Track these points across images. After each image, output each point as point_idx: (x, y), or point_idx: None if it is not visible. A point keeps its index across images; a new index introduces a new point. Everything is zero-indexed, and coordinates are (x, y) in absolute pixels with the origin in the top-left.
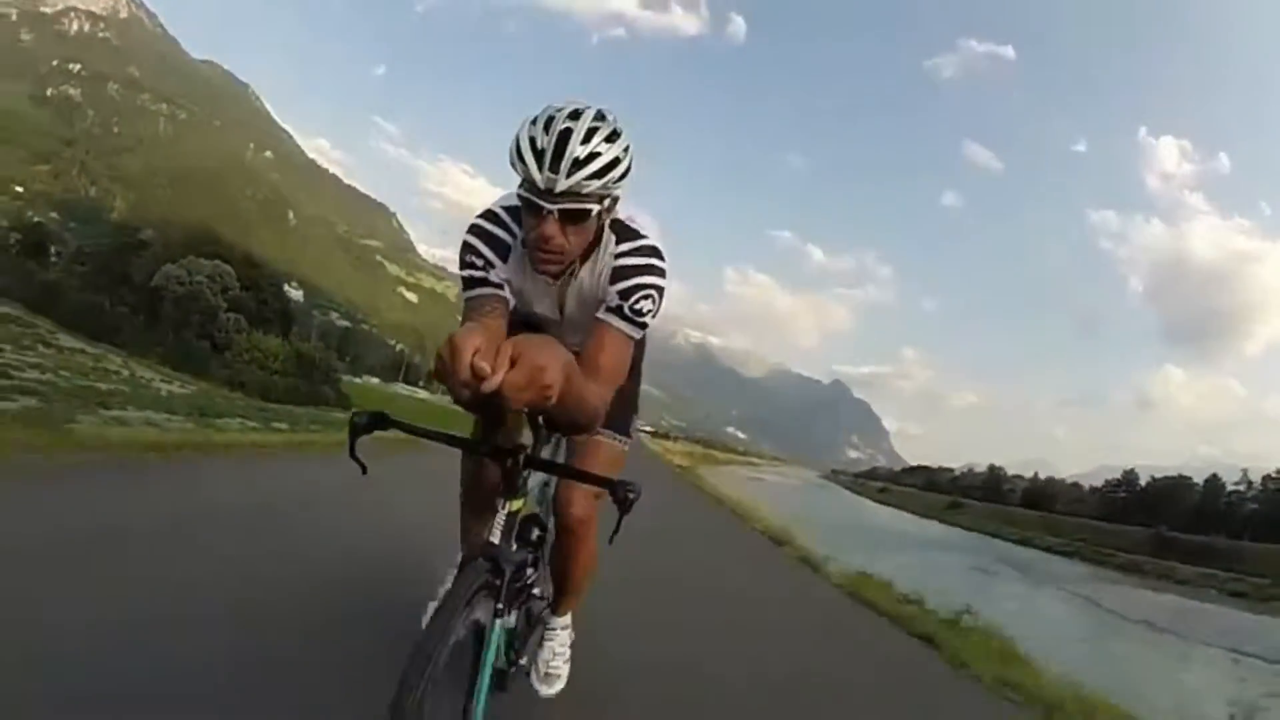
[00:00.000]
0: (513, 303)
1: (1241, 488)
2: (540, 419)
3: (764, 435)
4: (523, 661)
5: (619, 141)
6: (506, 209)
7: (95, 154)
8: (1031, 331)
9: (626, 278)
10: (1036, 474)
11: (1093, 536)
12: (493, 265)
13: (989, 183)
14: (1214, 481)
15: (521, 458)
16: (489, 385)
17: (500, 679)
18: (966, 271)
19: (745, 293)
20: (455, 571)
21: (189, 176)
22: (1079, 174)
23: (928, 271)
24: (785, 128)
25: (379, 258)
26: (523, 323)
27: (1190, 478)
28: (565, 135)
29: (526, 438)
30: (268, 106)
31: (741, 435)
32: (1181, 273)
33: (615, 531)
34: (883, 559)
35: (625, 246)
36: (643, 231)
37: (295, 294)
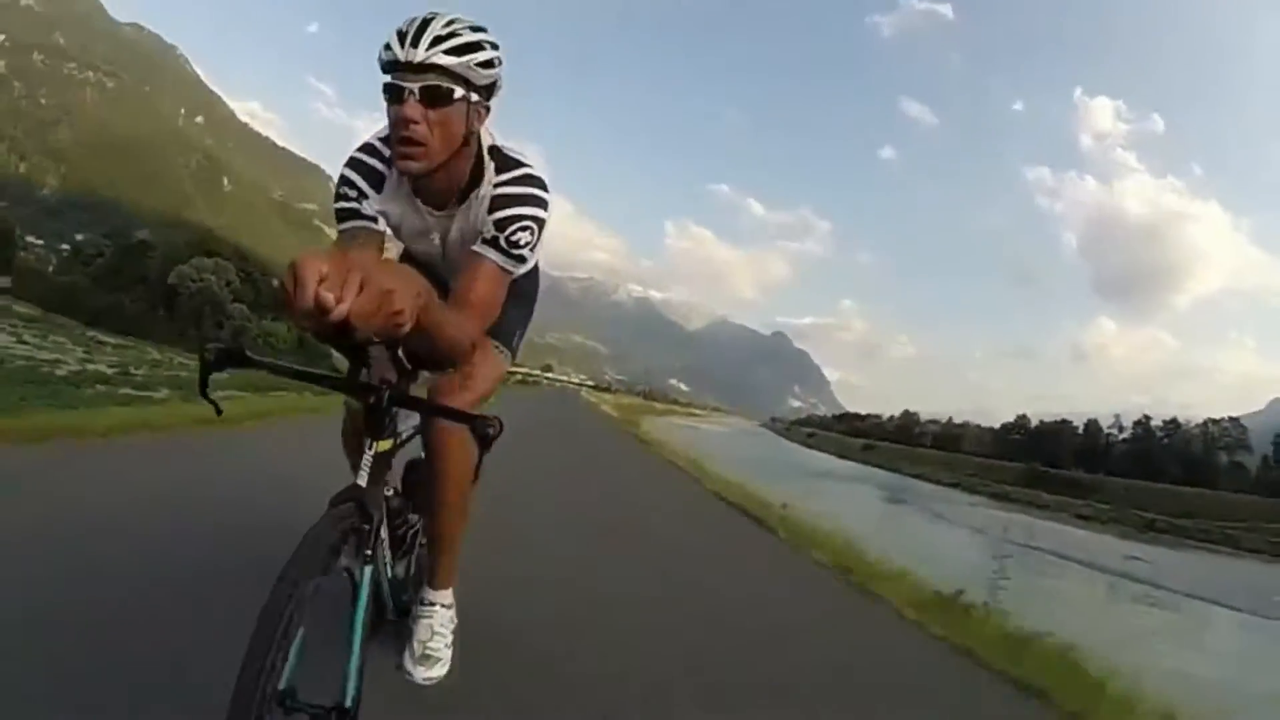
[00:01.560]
0: (388, 234)
1: (1114, 431)
2: (399, 352)
3: (707, 387)
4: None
5: (484, 36)
6: (383, 140)
7: (24, 128)
8: (967, 284)
9: (504, 207)
10: (950, 419)
11: (981, 472)
12: (366, 196)
13: (926, 138)
14: (1093, 425)
15: (386, 394)
16: (336, 313)
17: (395, 633)
18: (903, 225)
19: (685, 246)
20: None
21: (121, 147)
22: (1015, 131)
23: (865, 225)
24: (724, 83)
25: (317, 222)
26: (408, 259)
27: (1071, 421)
28: (428, 18)
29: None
30: (197, 70)
31: (685, 387)
32: (1114, 229)
33: (476, 471)
34: (770, 481)
35: (505, 176)
36: (524, 160)
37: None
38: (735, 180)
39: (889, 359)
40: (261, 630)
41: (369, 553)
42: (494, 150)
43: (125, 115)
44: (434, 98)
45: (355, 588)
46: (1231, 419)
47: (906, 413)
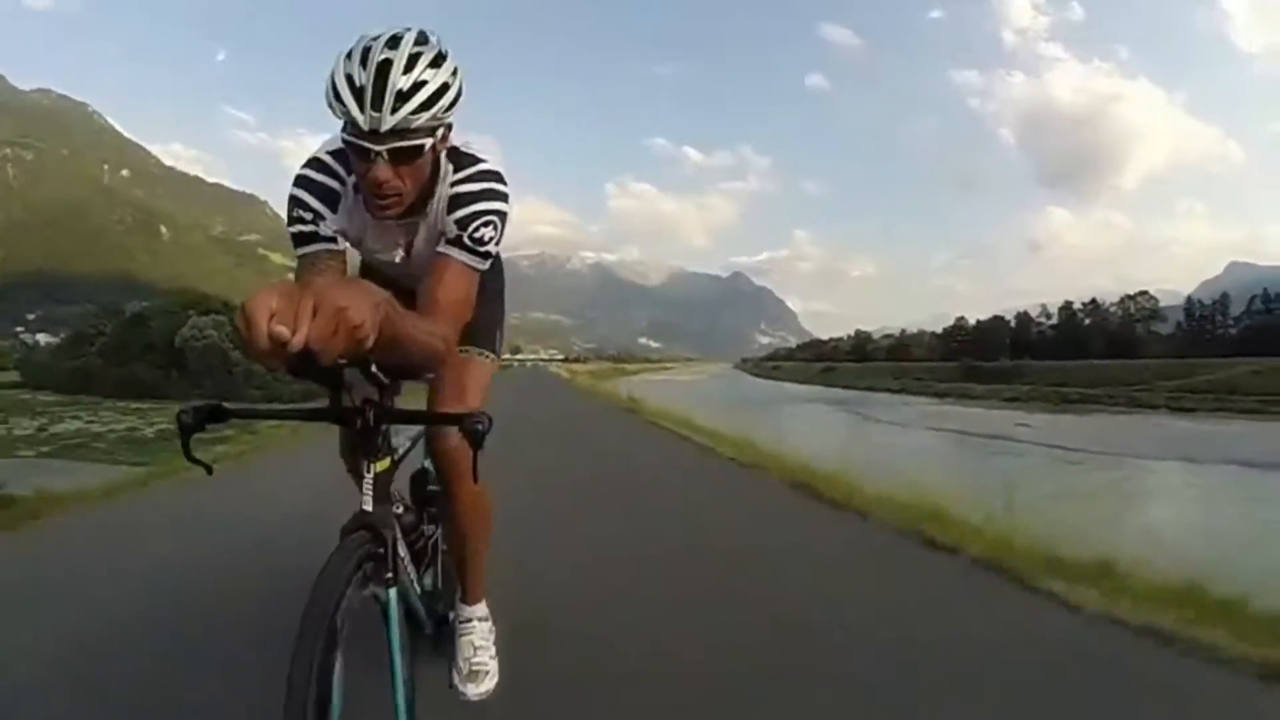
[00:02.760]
0: (349, 252)
1: (1043, 319)
2: (373, 368)
3: (676, 339)
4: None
5: (445, 65)
6: (332, 154)
7: None
8: (915, 195)
9: (464, 205)
10: (904, 330)
11: (926, 375)
12: (323, 217)
13: (851, 60)
14: (1023, 317)
15: (370, 414)
16: (294, 344)
17: (435, 645)
18: (842, 149)
19: (629, 205)
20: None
21: (53, 217)
22: (937, 39)
23: (805, 155)
24: (646, 37)
25: (261, 250)
26: (370, 271)
27: (1004, 317)
28: (385, 67)
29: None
30: (113, 123)
31: (654, 344)
32: (1049, 120)
33: (474, 470)
34: (713, 412)
35: (462, 174)
36: (480, 156)
37: None
38: (670, 132)
39: (850, 281)
40: (298, 672)
41: (390, 575)
42: (450, 151)
43: (51, 184)
44: (405, 156)
45: (384, 612)
46: (1143, 292)
47: (859, 331)
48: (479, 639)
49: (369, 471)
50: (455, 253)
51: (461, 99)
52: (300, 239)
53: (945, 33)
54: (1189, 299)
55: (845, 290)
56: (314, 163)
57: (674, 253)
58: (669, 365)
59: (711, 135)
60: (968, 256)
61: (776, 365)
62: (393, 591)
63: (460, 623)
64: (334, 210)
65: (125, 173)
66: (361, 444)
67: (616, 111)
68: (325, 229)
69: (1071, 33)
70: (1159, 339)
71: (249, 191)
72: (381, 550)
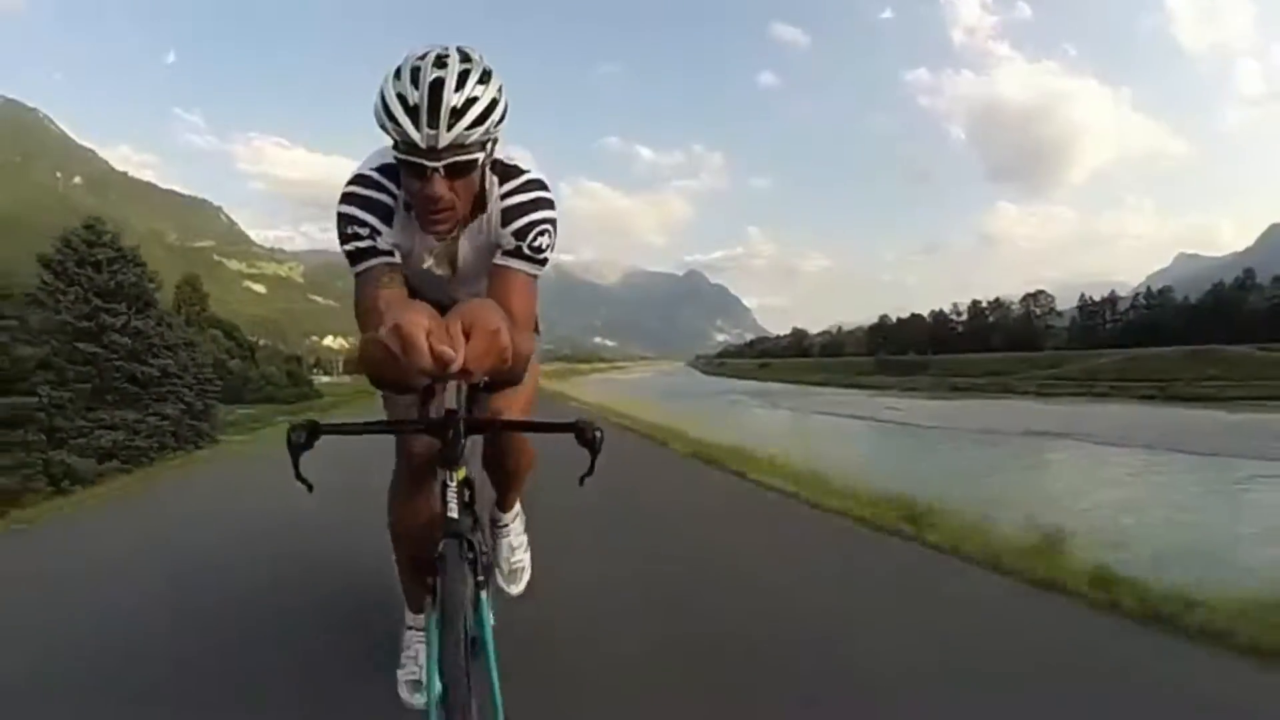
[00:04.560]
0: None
1: (954, 316)
2: (479, 382)
3: (632, 338)
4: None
5: (492, 81)
6: (379, 170)
7: None
8: (867, 191)
9: (519, 217)
10: (840, 327)
11: (849, 368)
12: (379, 232)
13: (802, 59)
14: (938, 314)
15: (461, 425)
16: (455, 365)
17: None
18: (794, 145)
19: (583, 205)
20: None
21: (6, 227)
22: (887, 38)
23: (756, 152)
24: (596, 37)
25: (216, 257)
26: (413, 283)
27: (923, 314)
28: (438, 86)
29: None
30: (63, 128)
31: (610, 343)
32: (999, 117)
33: (589, 473)
34: (644, 404)
35: (510, 185)
36: (523, 166)
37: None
38: (622, 130)
39: (805, 276)
40: (454, 680)
41: (482, 579)
42: (494, 164)
43: (3, 193)
44: (459, 171)
45: (480, 618)
46: (1041, 291)
47: (796, 329)
48: (514, 537)
49: (452, 480)
50: (516, 263)
51: (509, 112)
52: (359, 255)
53: (895, 31)
54: (1148, 288)
55: (800, 286)
56: (362, 179)
57: (630, 252)
58: (624, 365)
59: (663, 133)
60: (921, 251)
61: (723, 363)
62: (484, 594)
63: (498, 527)
64: (389, 225)
65: (78, 180)
66: (446, 454)
67: (567, 112)
68: (383, 243)
69: (1020, 32)
70: (1056, 333)
71: (202, 196)
72: (471, 555)
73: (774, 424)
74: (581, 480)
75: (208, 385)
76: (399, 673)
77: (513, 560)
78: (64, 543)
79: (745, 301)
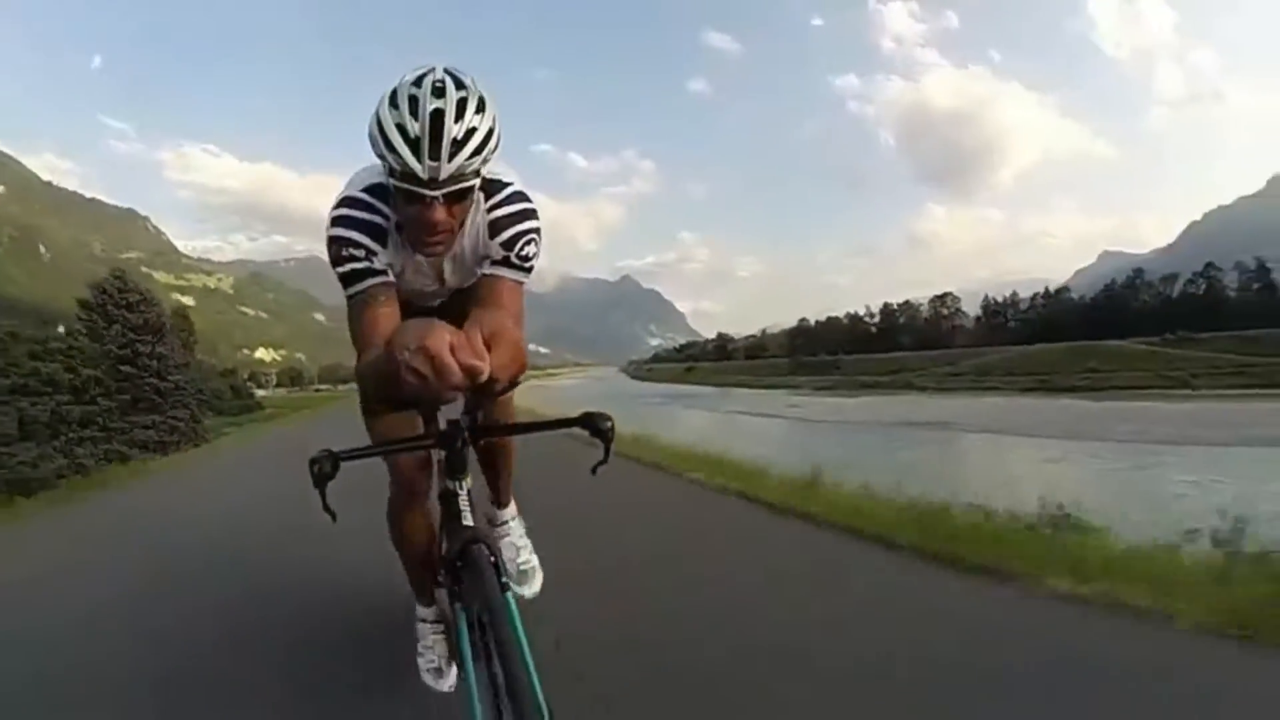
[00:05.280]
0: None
1: (869, 319)
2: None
3: (566, 345)
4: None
5: (488, 108)
6: (369, 190)
7: None
8: (798, 196)
9: (506, 228)
10: (765, 330)
11: (768, 371)
12: (374, 253)
13: (732, 65)
14: (854, 317)
15: (466, 434)
16: (484, 378)
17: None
18: (726, 151)
19: None
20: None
21: None
22: (817, 46)
23: (688, 158)
24: (524, 42)
25: (144, 269)
26: (401, 298)
27: (840, 317)
28: (438, 117)
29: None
30: None
31: (544, 350)
32: (927, 122)
33: (604, 461)
34: (566, 408)
35: (497, 198)
36: (506, 179)
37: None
38: (554, 138)
39: (738, 280)
40: (512, 671)
41: (504, 580)
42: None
43: None
44: (457, 197)
45: (509, 615)
46: (948, 293)
47: (720, 334)
48: (517, 538)
49: (462, 489)
50: (505, 272)
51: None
52: (354, 276)
53: (825, 39)
54: (1046, 288)
55: (734, 290)
56: (354, 201)
57: (563, 258)
58: (556, 371)
59: (594, 139)
60: (853, 254)
61: (650, 367)
62: (509, 595)
63: (498, 525)
64: (383, 245)
65: (0, 189)
66: (452, 464)
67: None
68: (378, 264)
69: (947, 39)
70: (963, 332)
71: (128, 206)
72: (493, 559)
73: (679, 420)
74: (595, 469)
75: (200, 397)
76: (420, 661)
77: (519, 561)
78: (153, 491)
79: (679, 306)
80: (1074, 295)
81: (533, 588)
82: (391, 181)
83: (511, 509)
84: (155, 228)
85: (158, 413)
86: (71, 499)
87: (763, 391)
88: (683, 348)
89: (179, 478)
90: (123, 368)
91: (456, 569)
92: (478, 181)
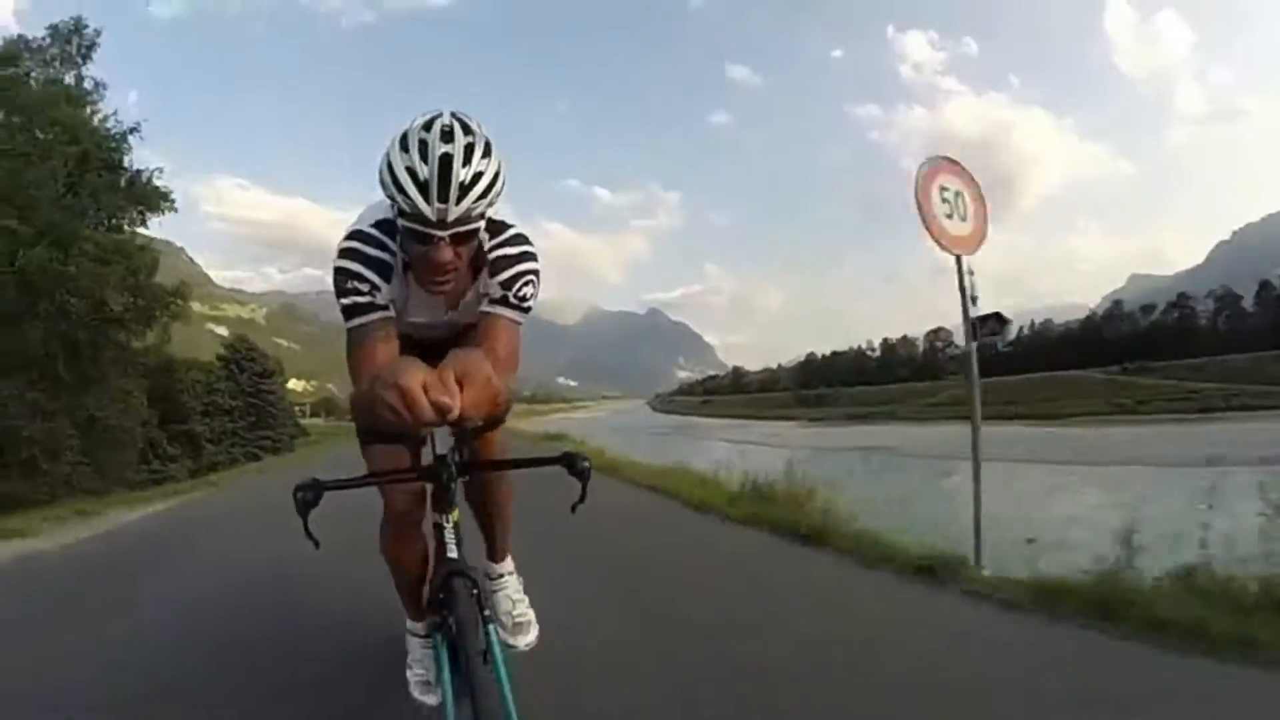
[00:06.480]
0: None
1: (870, 352)
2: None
3: (594, 377)
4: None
5: (493, 154)
6: (377, 226)
7: None
8: (821, 225)
9: (506, 268)
10: (781, 364)
11: (776, 403)
12: (379, 288)
13: (754, 98)
14: (858, 350)
15: (453, 468)
16: (453, 414)
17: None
18: (748, 183)
19: (542, 245)
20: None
21: None
22: (838, 77)
23: (712, 190)
24: (551, 80)
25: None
26: (402, 331)
27: (845, 350)
28: (446, 161)
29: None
30: None
31: (573, 383)
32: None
33: (581, 500)
34: (585, 437)
35: (499, 239)
36: (509, 222)
37: None
38: (580, 173)
39: (764, 311)
40: (489, 707)
41: (488, 613)
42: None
43: None
44: (463, 239)
45: (487, 637)
46: (941, 327)
47: (735, 367)
48: (514, 591)
49: (448, 523)
50: (503, 311)
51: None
52: (356, 310)
53: (846, 70)
54: (1042, 320)
55: (760, 320)
56: (361, 236)
57: (590, 291)
58: (585, 404)
59: (620, 172)
60: (876, 283)
61: (673, 400)
62: (492, 626)
63: (493, 579)
64: (387, 281)
65: None
66: (440, 498)
67: (527, 155)
68: (381, 299)
69: (966, 66)
70: (955, 363)
71: (165, 237)
72: (477, 591)
73: (668, 447)
74: (574, 508)
75: (289, 418)
76: (408, 674)
77: (515, 614)
78: (289, 464)
79: (707, 338)
80: (1058, 325)
81: (527, 638)
82: (401, 221)
83: (508, 564)
84: (190, 258)
85: (270, 429)
86: (245, 472)
87: (765, 423)
88: (703, 381)
89: (296, 464)
90: (253, 401)
91: (439, 600)
92: (483, 223)
